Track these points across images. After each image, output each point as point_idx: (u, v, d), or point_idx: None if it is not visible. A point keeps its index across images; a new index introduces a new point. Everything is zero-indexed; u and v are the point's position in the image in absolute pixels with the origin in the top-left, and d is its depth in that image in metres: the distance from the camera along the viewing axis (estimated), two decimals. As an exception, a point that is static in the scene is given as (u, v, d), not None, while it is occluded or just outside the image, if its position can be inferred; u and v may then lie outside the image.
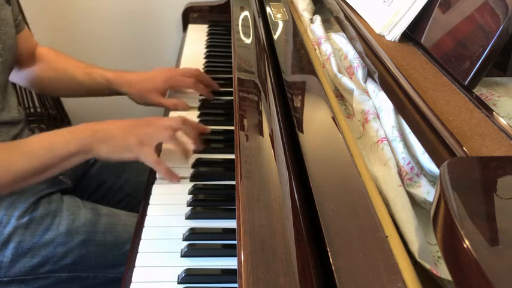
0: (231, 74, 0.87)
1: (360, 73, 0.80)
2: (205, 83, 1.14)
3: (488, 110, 0.54)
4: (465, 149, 0.47)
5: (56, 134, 0.86)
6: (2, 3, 0.91)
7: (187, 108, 1.09)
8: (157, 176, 0.88)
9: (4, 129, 0.92)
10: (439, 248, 0.36)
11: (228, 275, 0.69)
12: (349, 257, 0.44)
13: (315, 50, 0.92)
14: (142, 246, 0.74)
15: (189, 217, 0.79)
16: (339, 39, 0.92)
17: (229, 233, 0.75)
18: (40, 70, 1.11)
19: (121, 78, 1.10)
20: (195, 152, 0.92)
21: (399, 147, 0.62)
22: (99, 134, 0.83)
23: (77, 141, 0.82)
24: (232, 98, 0.81)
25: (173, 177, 0.86)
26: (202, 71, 1.31)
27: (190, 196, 0.83)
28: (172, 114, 1.07)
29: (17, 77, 1.11)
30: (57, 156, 0.82)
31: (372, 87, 0.75)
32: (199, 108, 1.12)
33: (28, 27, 1.44)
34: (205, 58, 1.40)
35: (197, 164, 0.91)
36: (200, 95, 1.15)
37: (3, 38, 0.90)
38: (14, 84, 1.13)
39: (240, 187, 0.57)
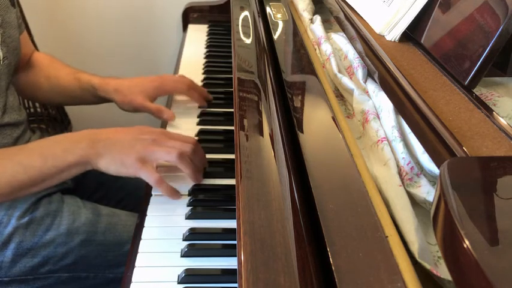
0: (231, 74, 0.87)
1: (360, 73, 0.80)
2: (198, 92, 1.10)
3: (488, 110, 0.54)
4: (465, 149, 0.47)
5: (55, 142, 0.81)
6: (7, 6, 0.91)
7: (173, 117, 1.03)
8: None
9: (7, 131, 0.92)
10: (439, 248, 0.36)
11: (228, 275, 0.69)
12: (349, 257, 0.44)
13: (315, 50, 0.91)
14: (142, 246, 0.74)
15: (189, 217, 0.79)
16: (339, 39, 0.92)
17: (229, 233, 0.75)
18: (33, 76, 1.08)
19: (107, 85, 1.04)
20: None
21: (399, 147, 0.62)
22: (99, 145, 0.79)
23: (76, 151, 0.78)
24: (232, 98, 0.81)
25: (175, 196, 0.82)
26: (201, 70, 1.32)
27: (191, 196, 0.83)
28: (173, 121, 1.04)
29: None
30: (55, 167, 0.78)
31: (372, 87, 0.75)
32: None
33: (29, 29, 1.44)
34: (205, 58, 1.40)
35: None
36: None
37: (7, 40, 0.90)
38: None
39: (240, 187, 0.57)
